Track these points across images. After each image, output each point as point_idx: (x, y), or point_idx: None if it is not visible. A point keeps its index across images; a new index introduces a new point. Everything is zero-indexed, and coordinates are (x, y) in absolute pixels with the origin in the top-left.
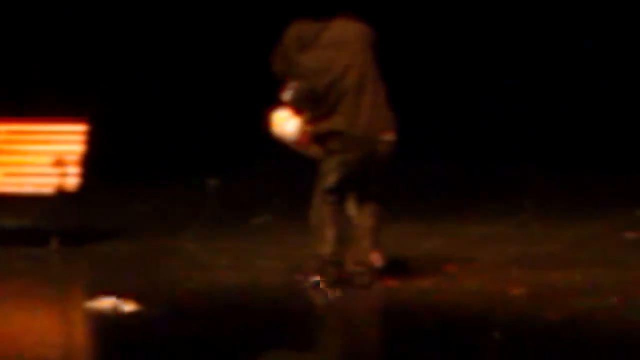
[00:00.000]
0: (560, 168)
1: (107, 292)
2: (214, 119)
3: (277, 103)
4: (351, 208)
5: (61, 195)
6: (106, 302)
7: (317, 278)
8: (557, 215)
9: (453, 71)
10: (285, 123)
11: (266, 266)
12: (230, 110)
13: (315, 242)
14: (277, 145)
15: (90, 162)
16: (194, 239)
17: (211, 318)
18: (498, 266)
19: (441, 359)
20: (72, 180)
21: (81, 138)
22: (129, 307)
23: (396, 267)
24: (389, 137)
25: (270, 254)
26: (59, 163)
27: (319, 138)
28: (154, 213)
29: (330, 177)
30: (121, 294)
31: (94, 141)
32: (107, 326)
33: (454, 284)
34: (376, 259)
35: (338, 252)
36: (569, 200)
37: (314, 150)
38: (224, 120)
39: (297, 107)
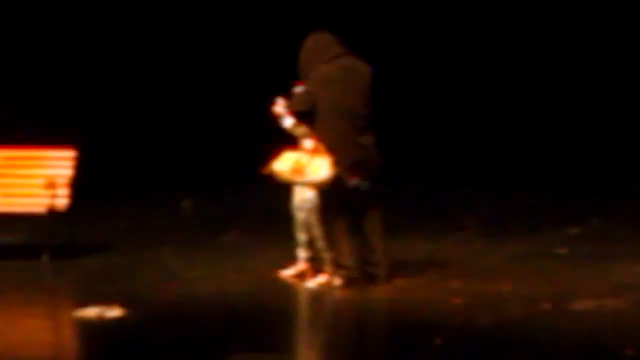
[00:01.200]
0: (498, 190)
1: (93, 300)
2: (189, 146)
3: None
4: None
5: (52, 214)
6: (92, 309)
7: (339, 281)
8: (495, 233)
9: (400, 99)
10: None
11: (235, 277)
12: (203, 138)
13: (336, 254)
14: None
15: (78, 185)
16: (171, 253)
17: (186, 323)
18: (441, 278)
19: (387, 356)
20: (62, 200)
21: (70, 163)
22: (112, 313)
23: (352, 279)
24: (375, 160)
25: (239, 267)
26: (50, 185)
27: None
28: (135, 230)
29: (331, 198)
30: (106, 302)
31: (81, 166)
32: (93, 330)
33: (404, 295)
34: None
35: (355, 261)
36: (505, 219)
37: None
38: (198, 147)
39: (296, 111)
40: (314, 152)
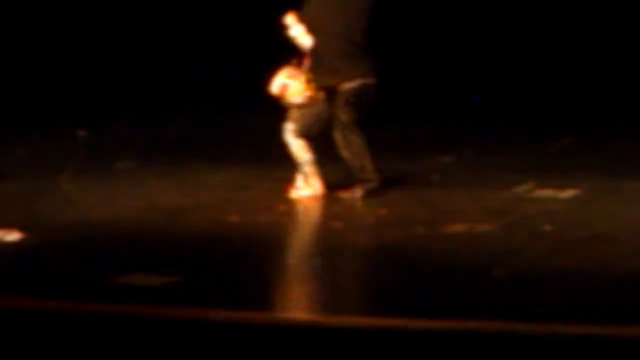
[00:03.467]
0: (374, 120)
1: None
2: (84, 78)
3: None
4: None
5: None
6: None
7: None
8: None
9: None
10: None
11: (129, 203)
12: (98, 70)
13: (358, 170)
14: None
15: None
16: (67, 180)
17: (82, 246)
18: (321, 204)
19: (273, 278)
20: None
21: None
22: (12, 237)
23: (237, 204)
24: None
25: (133, 193)
26: None
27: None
28: (32, 158)
29: (350, 114)
30: (5, 227)
31: None
32: None
33: (286, 219)
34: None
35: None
36: (381, 147)
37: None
38: (93, 79)
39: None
40: (298, 71)
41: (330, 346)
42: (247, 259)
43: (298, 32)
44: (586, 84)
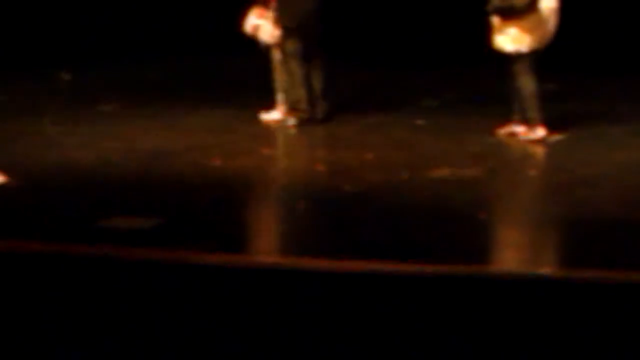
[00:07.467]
0: (356, 63)
1: None
2: (68, 19)
3: None
4: None
5: None
6: None
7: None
8: (354, 104)
9: None
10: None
11: (112, 146)
12: (82, 12)
13: (293, 99)
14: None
15: None
16: (50, 123)
17: (65, 189)
18: (304, 147)
19: (255, 222)
20: None
21: None
22: None
23: (220, 148)
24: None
25: (116, 136)
26: None
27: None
28: (14, 101)
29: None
30: None
31: None
32: None
33: (270, 162)
34: None
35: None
36: (363, 91)
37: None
38: (77, 21)
39: None
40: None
41: (311, 289)
42: (230, 202)
43: None
44: (572, 30)
